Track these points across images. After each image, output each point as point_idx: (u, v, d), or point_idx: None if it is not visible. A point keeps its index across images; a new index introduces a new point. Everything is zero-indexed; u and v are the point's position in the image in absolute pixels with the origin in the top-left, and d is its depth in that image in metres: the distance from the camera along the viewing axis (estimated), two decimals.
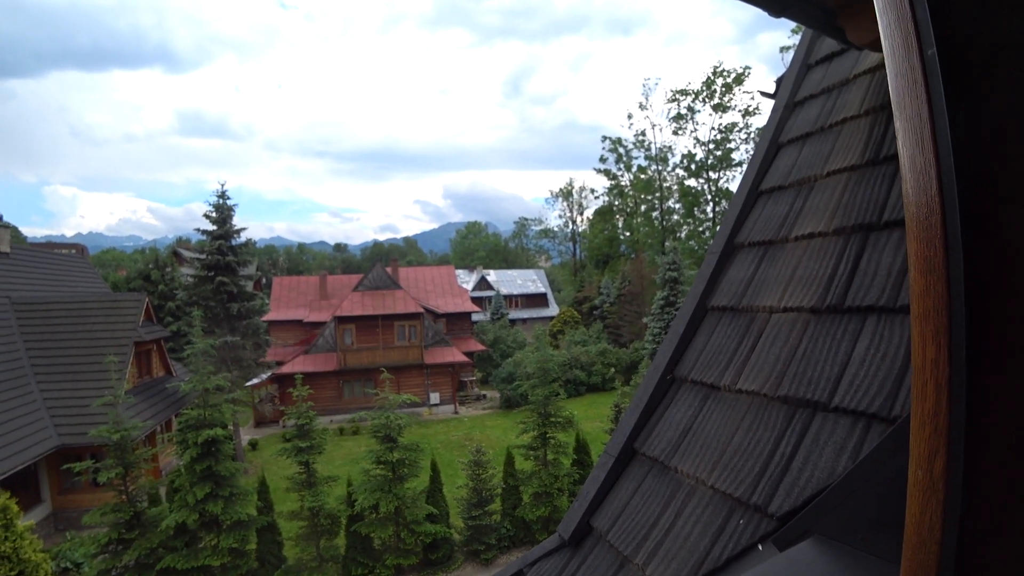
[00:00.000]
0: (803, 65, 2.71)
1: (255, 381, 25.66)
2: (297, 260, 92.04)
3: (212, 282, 21.39)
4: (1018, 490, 0.44)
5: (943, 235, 0.45)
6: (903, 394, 1.33)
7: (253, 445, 24.19)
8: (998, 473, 0.44)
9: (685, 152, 49.62)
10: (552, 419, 14.89)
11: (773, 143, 2.55)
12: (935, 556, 0.45)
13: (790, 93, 2.66)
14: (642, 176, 51.84)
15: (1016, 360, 0.44)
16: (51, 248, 38.40)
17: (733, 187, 47.32)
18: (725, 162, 46.81)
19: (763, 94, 3.20)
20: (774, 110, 2.73)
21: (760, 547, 1.37)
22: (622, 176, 53.57)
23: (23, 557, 8.97)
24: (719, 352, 1.97)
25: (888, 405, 1.34)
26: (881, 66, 2.22)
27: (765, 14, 1.99)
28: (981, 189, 0.45)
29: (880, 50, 2.21)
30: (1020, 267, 0.45)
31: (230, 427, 15.35)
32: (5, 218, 21.46)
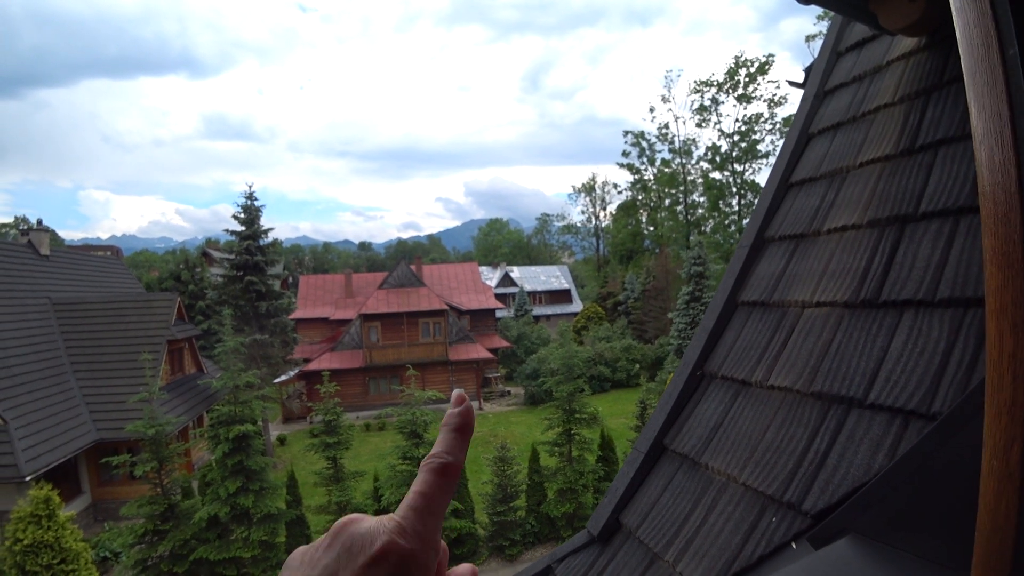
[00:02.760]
0: (833, 52, 2.64)
1: (283, 378, 26.17)
2: (322, 259, 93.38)
3: (241, 281, 21.85)
4: None
5: (1021, 231, 0.45)
6: (943, 390, 1.30)
7: (281, 441, 24.67)
8: None
9: (709, 144, 48.82)
10: (577, 415, 14.84)
11: (803, 134, 2.49)
12: (1011, 542, 0.46)
13: (820, 82, 2.60)
14: (666, 170, 51.22)
15: None
16: (87, 250, 39.64)
17: (759, 179, 46.48)
18: (750, 154, 45.94)
19: (791, 84, 3.13)
20: (803, 99, 2.67)
21: (794, 545, 1.35)
22: (645, 170, 53.06)
23: (64, 546, 9.32)
24: (750, 347, 1.94)
25: (927, 401, 1.30)
26: (916, 52, 2.15)
27: (791, 1, 1.95)
28: None
29: (916, 35, 2.13)
30: None
31: (260, 423, 15.67)
32: (44, 222, 22.22)
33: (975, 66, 0.49)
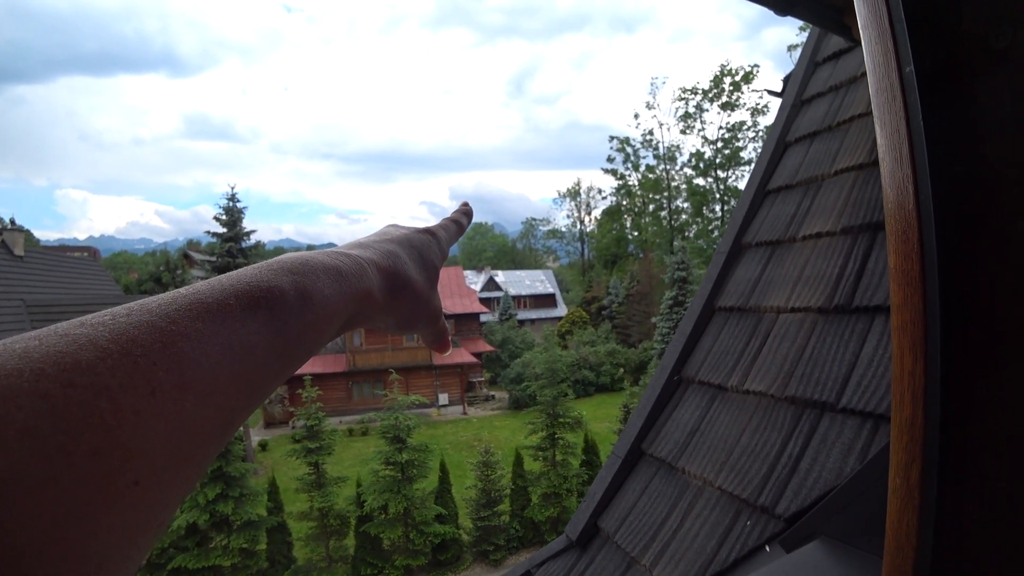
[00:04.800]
0: (810, 63, 2.69)
1: None
2: None
3: None
4: (991, 499, 0.46)
5: (920, 249, 0.46)
6: None
7: (263, 446, 24.35)
8: (971, 482, 0.46)
9: (693, 151, 49.45)
10: (561, 420, 14.87)
11: (780, 142, 2.53)
12: (911, 560, 0.47)
13: (797, 91, 2.64)
14: (650, 175, 51.74)
15: (990, 373, 0.46)
16: (64, 251, 38.88)
17: (742, 185, 47.06)
18: (734, 161, 46.61)
19: (770, 93, 3.18)
20: (781, 108, 2.72)
21: (767, 548, 1.36)
22: (630, 176, 53.52)
23: None
24: (727, 352, 1.96)
25: None
26: None
27: (771, 11, 1.98)
28: (957, 204, 0.47)
29: None
30: (995, 282, 0.46)
31: (240, 428, 15.44)
32: (18, 222, 21.75)
33: (877, 83, 0.50)
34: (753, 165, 2.72)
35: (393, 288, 0.41)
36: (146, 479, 0.21)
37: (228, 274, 0.30)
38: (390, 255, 0.43)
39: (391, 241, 0.45)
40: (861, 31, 0.52)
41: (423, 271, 0.46)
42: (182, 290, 0.27)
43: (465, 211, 0.62)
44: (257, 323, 0.28)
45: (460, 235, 0.59)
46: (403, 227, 0.50)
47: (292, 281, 0.31)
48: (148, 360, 0.22)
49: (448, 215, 0.61)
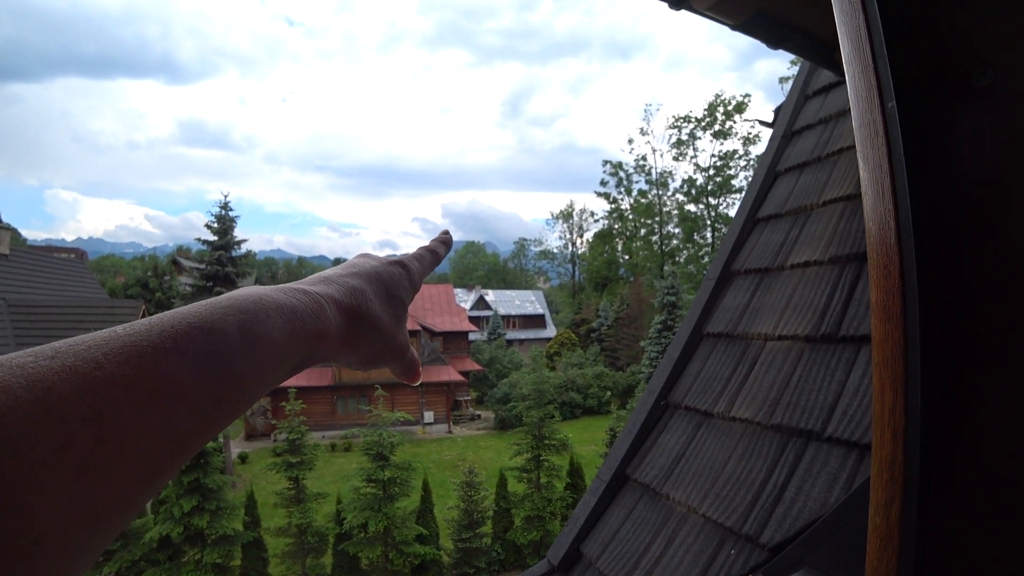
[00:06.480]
0: (801, 95, 2.74)
1: None
2: (296, 273, 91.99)
3: (210, 292, 21.38)
4: (971, 538, 0.45)
5: (900, 284, 0.46)
6: None
7: (243, 458, 23.91)
8: (952, 521, 0.45)
9: (685, 177, 50.14)
10: (546, 441, 14.75)
11: (771, 171, 2.57)
12: None
13: (788, 122, 2.69)
14: (642, 200, 52.27)
15: (971, 411, 0.46)
16: (50, 252, 38.39)
17: (732, 213, 47.63)
18: (725, 188, 47.24)
19: (762, 123, 3.24)
20: (772, 139, 2.76)
21: None
22: (622, 200, 54.02)
23: None
24: (714, 379, 1.96)
25: None
26: None
27: (763, 44, 2.03)
28: (938, 239, 0.47)
29: None
30: (976, 319, 0.46)
31: (220, 439, 15.19)
32: (6, 220, 21.46)
33: (860, 118, 0.50)
34: (743, 193, 2.75)
35: (354, 326, 0.40)
36: (48, 538, 0.19)
37: (173, 311, 0.29)
38: (354, 292, 0.42)
39: (357, 276, 0.44)
40: (845, 67, 0.53)
41: (389, 307, 0.45)
42: (119, 329, 0.26)
43: (444, 240, 0.61)
44: (195, 367, 0.26)
45: (436, 264, 0.58)
46: (374, 259, 0.50)
47: (239, 321, 0.30)
48: (63, 410, 0.21)
49: (425, 243, 0.60)
